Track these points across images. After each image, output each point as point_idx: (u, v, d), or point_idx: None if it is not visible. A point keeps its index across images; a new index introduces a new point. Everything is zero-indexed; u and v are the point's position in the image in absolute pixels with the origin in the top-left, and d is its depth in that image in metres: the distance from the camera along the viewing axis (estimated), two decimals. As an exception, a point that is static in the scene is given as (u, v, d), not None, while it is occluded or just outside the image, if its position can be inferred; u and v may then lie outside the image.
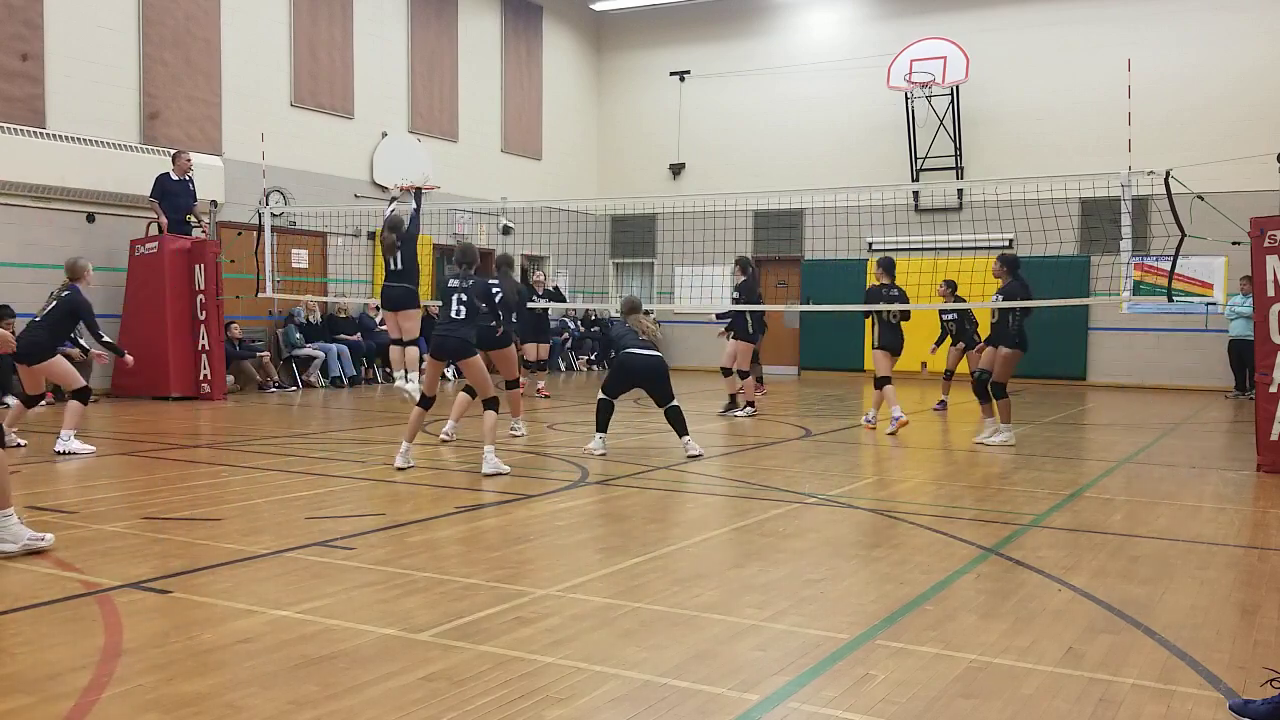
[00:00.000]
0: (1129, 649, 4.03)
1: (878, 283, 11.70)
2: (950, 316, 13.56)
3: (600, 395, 9.42)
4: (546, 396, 15.12)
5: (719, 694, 3.49)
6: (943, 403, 14.09)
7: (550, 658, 3.81)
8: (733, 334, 13.15)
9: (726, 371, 12.94)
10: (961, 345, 13.63)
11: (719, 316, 14.79)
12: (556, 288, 19.35)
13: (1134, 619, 4.41)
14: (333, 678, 3.58)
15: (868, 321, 12.05)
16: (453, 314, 8.14)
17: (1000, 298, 10.31)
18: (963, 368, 13.73)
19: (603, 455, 9.09)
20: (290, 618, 4.25)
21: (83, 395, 9.01)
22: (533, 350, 15.31)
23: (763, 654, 3.92)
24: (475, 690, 3.49)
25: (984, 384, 10.41)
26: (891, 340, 11.45)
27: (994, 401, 10.40)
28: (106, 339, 9.49)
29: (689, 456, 9.04)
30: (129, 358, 9.55)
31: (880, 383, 11.42)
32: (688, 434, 9.27)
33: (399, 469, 8.00)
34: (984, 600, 4.70)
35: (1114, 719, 3.36)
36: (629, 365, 9.41)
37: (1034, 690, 3.58)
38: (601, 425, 9.33)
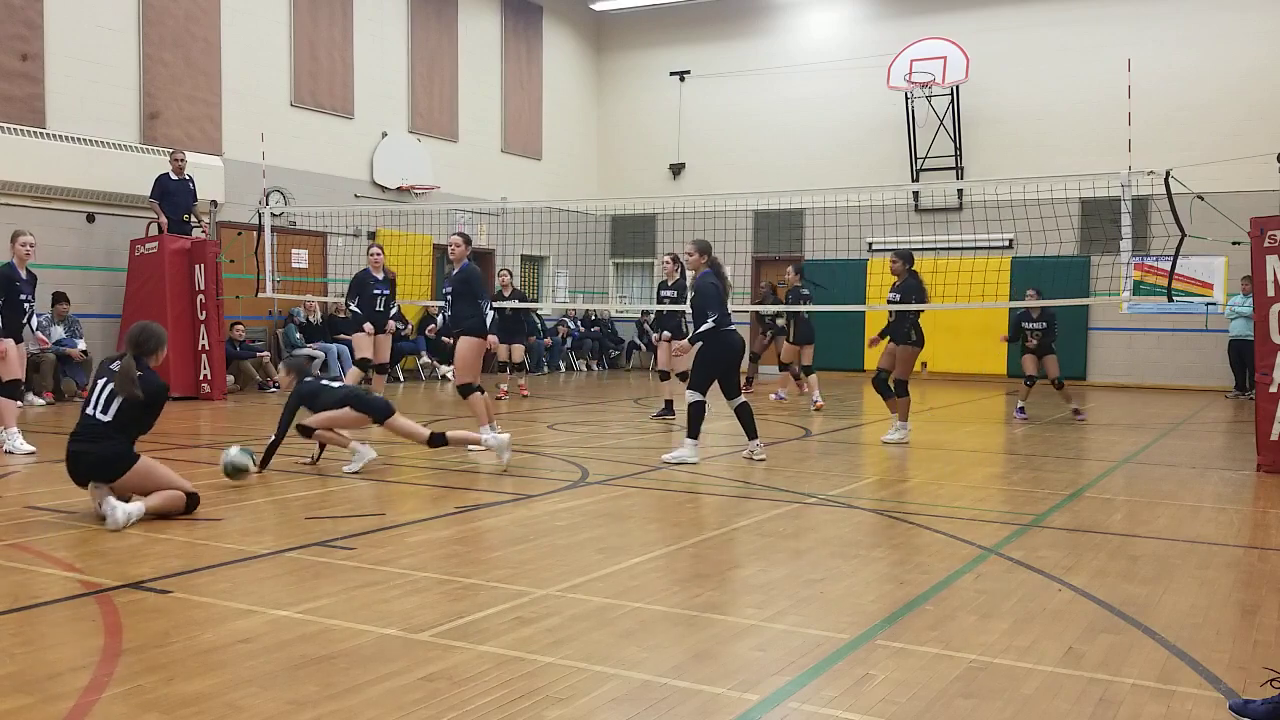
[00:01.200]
0: (1129, 649, 4.03)
1: (797, 284, 13.97)
2: (1039, 325, 12.79)
3: (694, 396, 8.64)
4: (525, 395, 14.78)
5: (719, 694, 3.49)
6: (1021, 409, 13.17)
7: (550, 658, 3.81)
8: (669, 336, 12.33)
9: (664, 375, 12.45)
10: (1034, 347, 12.93)
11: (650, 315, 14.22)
12: (519, 292, 17.55)
13: (1134, 619, 4.41)
14: (333, 678, 3.58)
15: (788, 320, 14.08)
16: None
17: (897, 296, 10.30)
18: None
19: (695, 464, 8.58)
20: (290, 618, 4.25)
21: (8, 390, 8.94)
22: (505, 351, 14.81)
23: (763, 654, 3.92)
24: (475, 690, 3.49)
25: (884, 382, 10.45)
26: (807, 333, 13.99)
27: (895, 399, 10.41)
28: None
29: (756, 460, 8.74)
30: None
31: (807, 370, 14.12)
32: (757, 435, 8.91)
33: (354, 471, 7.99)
34: (984, 600, 4.69)
35: (1114, 719, 3.36)
36: (731, 345, 8.56)
37: (1034, 690, 3.58)
38: (696, 430, 8.60)
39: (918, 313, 10.29)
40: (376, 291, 11.73)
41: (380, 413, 8.01)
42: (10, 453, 8.63)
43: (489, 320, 9.23)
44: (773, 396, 15.00)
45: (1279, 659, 3.89)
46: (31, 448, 8.76)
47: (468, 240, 9.41)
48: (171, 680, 3.54)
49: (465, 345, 9.13)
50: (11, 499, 6.76)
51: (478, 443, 8.36)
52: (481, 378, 9.36)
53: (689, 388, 8.77)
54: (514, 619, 4.28)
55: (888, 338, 10.44)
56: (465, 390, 9.11)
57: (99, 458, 6.06)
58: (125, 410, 6.14)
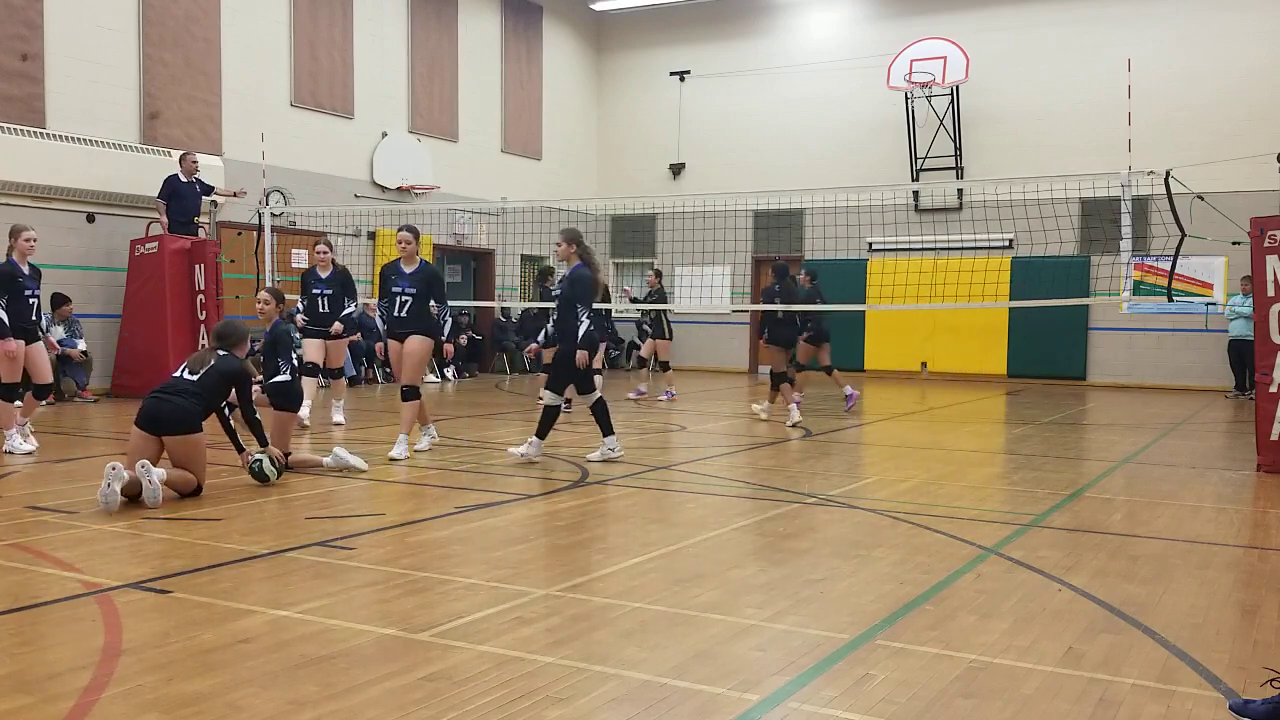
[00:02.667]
0: (1129, 649, 4.04)
1: (658, 287, 15.22)
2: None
3: (591, 398, 8.66)
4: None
5: (719, 694, 3.49)
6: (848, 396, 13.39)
7: (550, 658, 3.81)
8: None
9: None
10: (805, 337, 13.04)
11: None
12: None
13: (1134, 619, 4.41)
14: (333, 678, 3.58)
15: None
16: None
17: (765, 299, 11.98)
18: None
19: (621, 455, 8.72)
20: (290, 618, 4.25)
21: (39, 391, 9.10)
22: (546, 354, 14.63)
23: (763, 654, 3.92)
24: (475, 690, 3.49)
25: (820, 370, 12.25)
26: (660, 332, 15.18)
27: (785, 386, 11.88)
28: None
29: (614, 458, 8.63)
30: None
31: (665, 366, 15.15)
32: (612, 432, 8.74)
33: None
34: (984, 600, 4.70)
35: (1114, 719, 3.36)
36: (595, 343, 8.72)
37: (1034, 690, 3.59)
38: (609, 424, 8.72)
39: (785, 314, 11.81)
40: (317, 291, 11.43)
41: (284, 405, 8.12)
42: (10, 453, 8.63)
43: (447, 327, 9.03)
44: (630, 395, 14.79)
45: (1279, 659, 3.89)
46: (31, 447, 8.76)
47: (416, 234, 9.20)
48: (171, 680, 3.54)
49: (421, 346, 8.93)
50: (11, 499, 6.76)
51: (319, 464, 8.04)
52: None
53: (580, 392, 8.69)
54: (514, 619, 4.28)
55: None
56: (412, 394, 8.89)
57: (180, 408, 6.75)
58: (210, 376, 6.92)
